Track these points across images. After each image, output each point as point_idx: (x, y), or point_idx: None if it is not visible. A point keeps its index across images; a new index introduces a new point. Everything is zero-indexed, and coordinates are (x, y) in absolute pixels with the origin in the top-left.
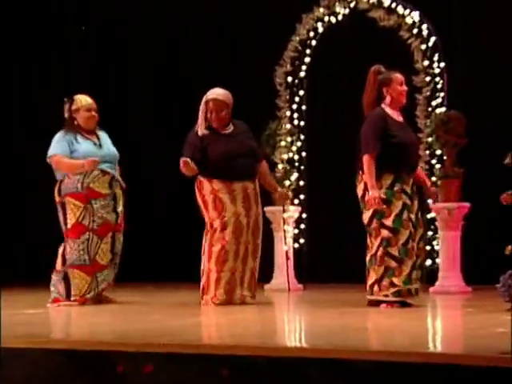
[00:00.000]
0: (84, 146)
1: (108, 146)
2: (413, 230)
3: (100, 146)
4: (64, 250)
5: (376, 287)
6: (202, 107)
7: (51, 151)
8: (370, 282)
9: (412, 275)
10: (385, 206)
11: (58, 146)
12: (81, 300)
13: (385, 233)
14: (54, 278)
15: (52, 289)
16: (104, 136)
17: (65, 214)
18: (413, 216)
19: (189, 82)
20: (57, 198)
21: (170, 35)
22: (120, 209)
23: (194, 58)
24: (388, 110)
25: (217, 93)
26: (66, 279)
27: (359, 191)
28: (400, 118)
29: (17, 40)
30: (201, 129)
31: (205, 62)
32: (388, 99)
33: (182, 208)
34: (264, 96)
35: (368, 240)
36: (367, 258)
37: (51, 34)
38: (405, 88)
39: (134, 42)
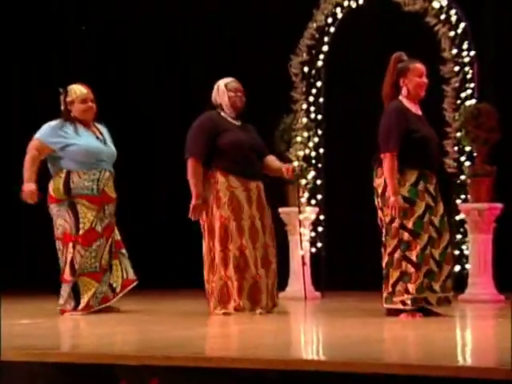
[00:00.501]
0: (85, 138)
1: (109, 143)
2: (435, 235)
3: (104, 142)
4: (73, 257)
5: (390, 292)
6: (220, 93)
7: (37, 133)
8: (385, 285)
9: (423, 283)
10: (408, 206)
11: (45, 131)
12: (86, 309)
13: (405, 235)
14: (63, 288)
15: (60, 300)
16: (105, 131)
17: (76, 217)
18: (436, 219)
19: (194, 73)
20: (62, 196)
21: (175, 28)
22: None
23: (202, 47)
24: (405, 103)
25: (232, 79)
26: (75, 290)
27: (378, 187)
28: (419, 112)
29: (17, 40)
30: (221, 109)
31: (214, 51)
32: (404, 91)
33: (185, 212)
34: (278, 88)
35: (383, 238)
36: (384, 260)
37: (51, 34)
38: (424, 80)
39: (139, 42)
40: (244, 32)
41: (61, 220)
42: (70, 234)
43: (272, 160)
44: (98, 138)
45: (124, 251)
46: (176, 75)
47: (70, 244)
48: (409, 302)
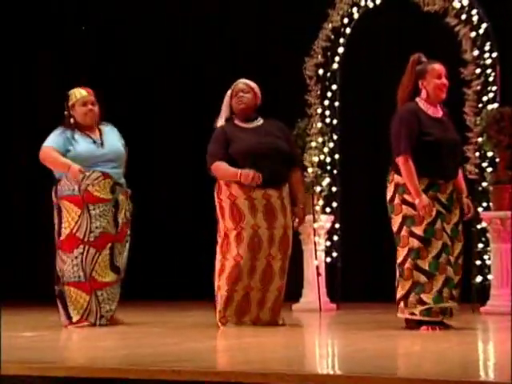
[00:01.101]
0: (81, 145)
1: (112, 143)
2: (449, 242)
3: (101, 143)
4: (56, 264)
5: (402, 304)
6: (226, 98)
7: (45, 142)
8: (397, 297)
9: (443, 293)
10: (416, 213)
11: (53, 139)
12: (81, 322)
13: (414, 243)
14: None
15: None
16: (108, 131)
17: (60, 220)
18: (449, 227)
19: (206, 76)
20: (54, 200)
21: (190, 30)
22: (122, 217)
23: (213, 49)
24: (422, 105)
25: (243, 80)
26: (61, 298)
27: (388, 192)
28: (438, 114)
29: (17, 40)
30: (220, 119)
31: (226, 53)
32: (424, 93)
33: (195, 221)
34: (292, 91)
35: (397, 250)
36: (397, 271)
37: (51, 34)
38: (444, 81)
39: (143, 43)
40: (257, 33)
41: (55, 222)
42: (57, 238)
43: (295, 184)
44: (94, 141)
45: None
46: (187, 77)
47: (57, 250)
48: (423, 313)
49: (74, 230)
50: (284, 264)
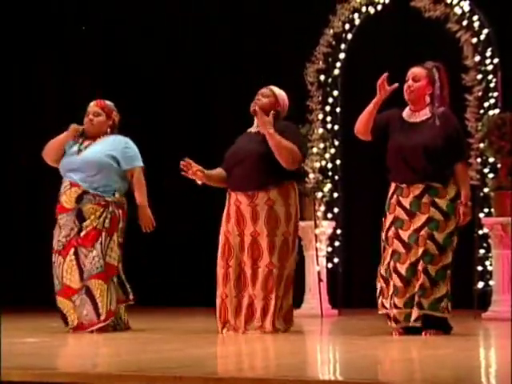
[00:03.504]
0: (67, 152)
1: (90, 152)
2: (401, 249)
3: (80, 151)
4: None
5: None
6: None
7: None
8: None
9: (393, 299)
10: (383, 219)
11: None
12: (78, 329)
13: (382, 248)
14: None
15: None
16: (104, 141)
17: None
18: (406, 233)
19: (207, 80)
20: None
21: (188, 34)
22: (87, 224)
23: (215, 50)
24: (406, 109)
25: (277, 88)
26: (59, 309)
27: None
28: (417, 118)
29: (17, 39)
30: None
31: (228, 57)
32: None
33: (199, 227)
34: (293, 97)
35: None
36: None
37: (52, 34)
38: (408, 83)
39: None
40: (257, 39)
41: None
42: None
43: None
44: (79, 149)
45: (115, 280)
46: (188, 80)
47: None
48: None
49: (53, 242)
50: (255, 271)
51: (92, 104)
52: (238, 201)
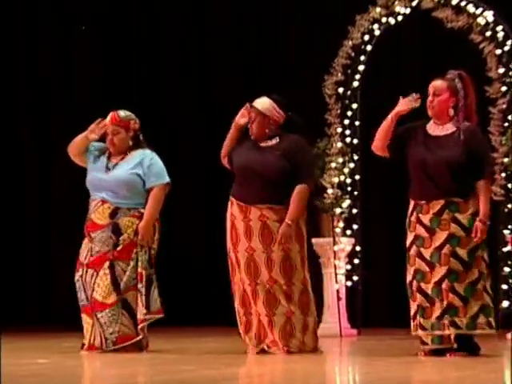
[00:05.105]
0: (94, 167)
1: (119, 172)
2: (424, 268)
3: (109, 170)
4: None
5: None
6: None
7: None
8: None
9: (419, 320)
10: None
11: (97, 143)
12: (89, 349)
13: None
14: None
15: None
16: (132, 160)
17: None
18: (428, 251)
19: (221, 92)
20: None
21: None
22: (124, 238)
23: (230, 62)
24: (429, 123)
25: (257, 100)
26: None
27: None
28: (441, 132)
29: (18, 39)
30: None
31: (244, 71)
32: None
33: (215, 241)
34: (311, 110)
35: None
36: None
37: (52, 34)
38: (429, 98)
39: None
40: (275, 50)
41: None
42: None
43: (293, 200)
44: (107, 167)
45: (140, 286)
46: (202, 92)
47: None
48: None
49: (80, 255)
50: (289, 288)
51: (107, 121)
52: (233, 215)
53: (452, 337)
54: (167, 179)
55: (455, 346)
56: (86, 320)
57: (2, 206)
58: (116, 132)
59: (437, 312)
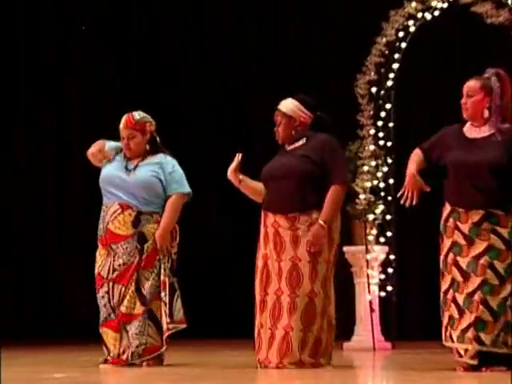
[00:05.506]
0: (108, 167)
1: (140, 175)
2: (459, 277)
3: (130, 171)
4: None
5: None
6: None
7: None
8: None
9: (449, 331)
10: (440, 242)
11: (111, 142)
12: (115, 362)
13: (440, 275)
14: None
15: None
16: (153, 163)
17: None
18: (465, 260)
19: (251, 93)
20: None
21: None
22: (148, 245)
23: (257, 62)
24: (466, 125)
25: (282, 102)
26: (103, 339)
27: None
28: (479, 134)
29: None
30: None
31: (270, 69)
32: None
33: (235, 251)
34: (343, 111)
35: None
36: None
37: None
38: (462, 100)
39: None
40: (304, 47)
41: None
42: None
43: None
44: (126, 167)
45: (163, 294)
46: (228, 94)
47: None
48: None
49: (100, 269)
50: (293, 300)
51: (122, 126)
52: (277, 223)
53: (472, 353)
54: (189, 189)
55: (475, 362)
56: (111, 334)
57: (24, 218)
58: (132, 136)
59: (463, 324)
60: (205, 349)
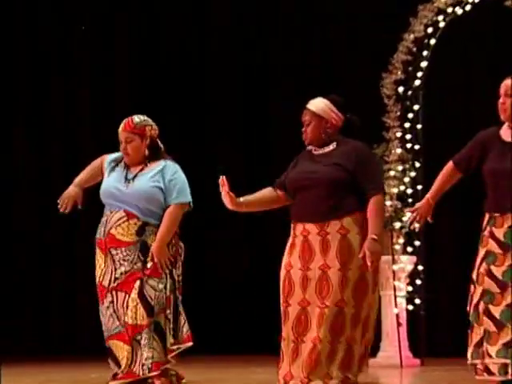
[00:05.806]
0: (109, 177)
1: (140, 185)
2: (494, 288)
3: (129, 181)
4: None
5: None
6: None
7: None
8: None
9: (482, 347)
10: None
11: (110, 156)
12: (127, 376)
13: (471, 287)
14: None
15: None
16: (153, 171)
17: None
18: (500, 269)
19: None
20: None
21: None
22: (150, 254)
23: (280, 61)
24: (503, 128)
25: (311, 101)
26: (111, 353)
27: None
28: None
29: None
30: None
31: (293, 68)
32: None
33: (257, 263)
34: (368, 112)
35: None
36: None
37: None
38: (500, 100)
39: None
40: (327, 46)
41: None
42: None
43: (369, 215)
44: (126, 178)
45: (168, 312)
46: (253, 95)
47: None
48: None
49: (101, 278)
50: (322, 311)
51: (120, 129)
52: (306, 230)
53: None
54: (189, 198)
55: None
56: (122, 347)
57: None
58: (130, 139)
59: (504, 338)
60: (230, 365)
